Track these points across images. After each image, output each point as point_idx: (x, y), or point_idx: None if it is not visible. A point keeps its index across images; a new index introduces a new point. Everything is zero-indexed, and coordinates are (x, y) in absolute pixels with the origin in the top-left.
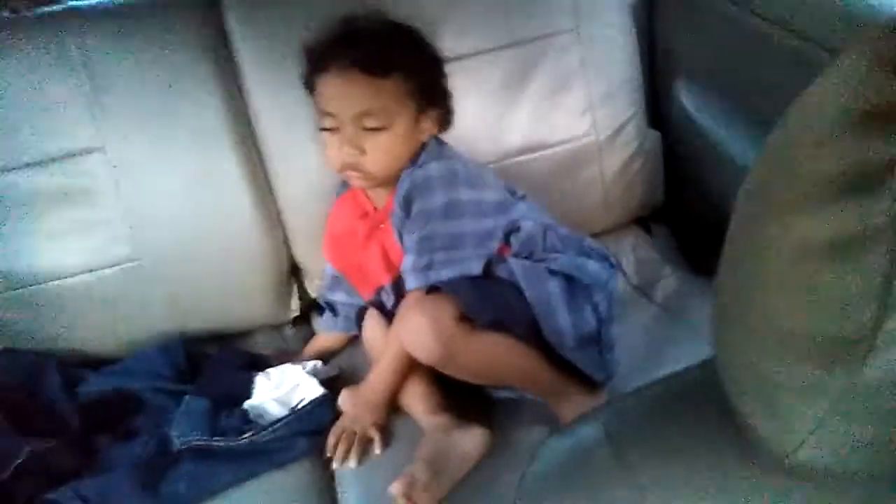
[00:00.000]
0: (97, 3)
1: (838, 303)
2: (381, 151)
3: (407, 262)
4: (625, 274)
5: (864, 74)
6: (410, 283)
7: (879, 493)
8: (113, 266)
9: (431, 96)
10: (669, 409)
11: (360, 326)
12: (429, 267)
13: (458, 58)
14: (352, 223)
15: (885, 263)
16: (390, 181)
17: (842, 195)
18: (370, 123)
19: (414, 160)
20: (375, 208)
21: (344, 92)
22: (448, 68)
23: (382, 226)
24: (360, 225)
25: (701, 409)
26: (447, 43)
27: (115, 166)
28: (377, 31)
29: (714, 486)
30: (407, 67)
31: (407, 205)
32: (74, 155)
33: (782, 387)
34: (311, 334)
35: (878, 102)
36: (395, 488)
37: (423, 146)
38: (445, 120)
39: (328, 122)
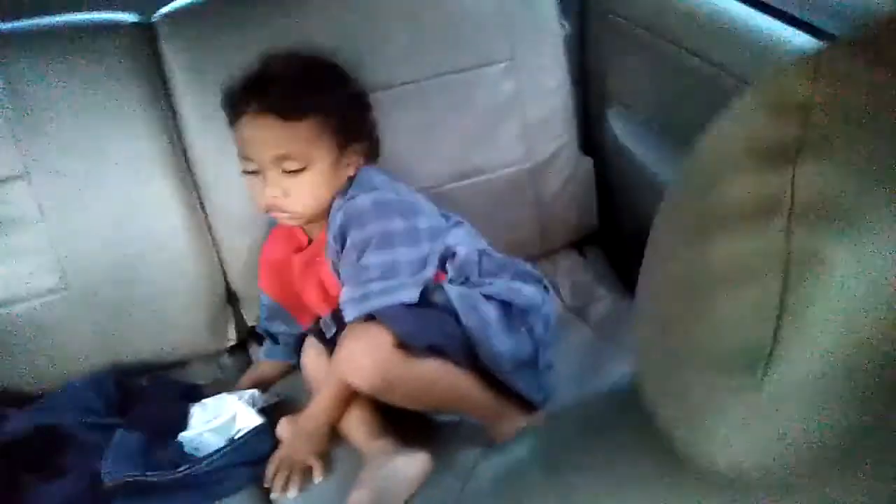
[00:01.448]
0: (23, 24)
1: (737, 324)
2: (304, 192)
3: (344, 294)
4: (560, 297)
5: (757, 115)
6: (348, 314)
7: (799, 497)
8: (39, 296)
9: (352, 131)
10: (599, 425)
11: (298, 355)
12: (365, 297)
13: (393, 86)
14: (287, 256)
15: (777, 288)
16: (321, 216)
17: (739, 223)
18: (290, 166)
19: (344, 192)
20: (310, 240)
21: (260, 137)
22: (383, 95)
23: (318, 259)
24: (295, 258)
25: (629, 424)
26: (382, 72)
27: (40, 195)
28: (291, 73)
29: (644, 499)
30: (323, 107)
31: (341, 237)
32: None
33: (694, 400)
34: (249, 363)
35: (769, 140)
36: None
37: (353, 178)
38: (371, 151)
39: (249, 166)
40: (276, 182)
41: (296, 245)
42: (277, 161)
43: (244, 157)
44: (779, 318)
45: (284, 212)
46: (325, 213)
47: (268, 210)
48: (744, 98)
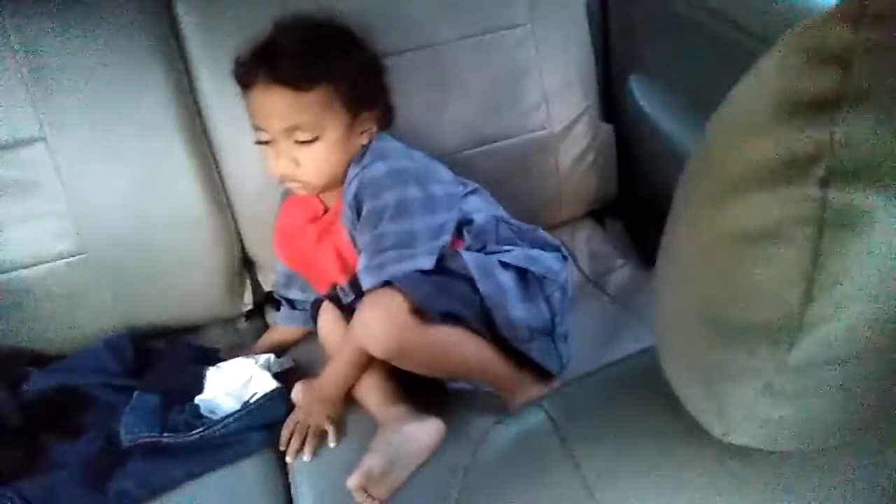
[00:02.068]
0: None
1: (765, 289)
2: (316, 162)
3: (361, 263)
4: (578, 266)
5: (793, 66)
6: (365, 282)
7: (816, 469)
8: (58, 260)
9: (365, 99)
10: (613, 395)
11: (315, 320)
12: (382, 265)
13: (410, 49)
14: (302, 224)
15: (809, 250)
16: (335, 184)
17: (770, 183)
18: (301, 136)
19: (359, 160)
20: (326, 209)
21: (270, 108)
22: (399, 60)
23: (334, 227)
24: (310, 227)
25: (644, 394)
26: (398, 35)
27: (57, 157)
28: (301, 42)
29: (658, 468)
30: (333, 75)
31: (357, 206)
32: (14, 145)
33: (715, 371)
34: (265, 328)
35: (806, 93)
36: (352, 481)
37: (367, 146)
38: (385, 118)
39: (261, 136)
40: (288, 152)
41: (311, 213)
42: (289, 131)
43: (256, 128)
44: (810, 284)
45: (297, 181)
46: (339, 182)
47: (281, 180)
48: (777, 48)
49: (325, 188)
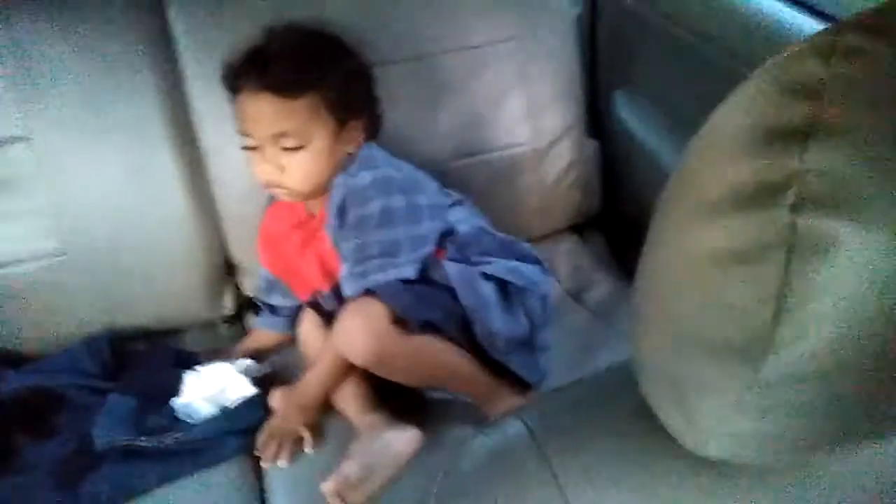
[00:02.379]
0: None
1: (736, 309)
2: (302, 170)
3: (343, 270)
4: (558, 279)
5: (767, 96)
6: (347, 289)
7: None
8: (37, 259)
9: (353, 107)
10: (591, 407)
11: (295, 326)
12: (364, 273)
13: (399, 61)
14: (287, 230)
15: (779, 273)
16: (321, 192)
17: (743, 207)
18: (287, 144)
19: (346, 168)
20: (311, 215)
21: (257, 114)
22: (388, 70)
23: (318, 234)
24: (295, 233)
25: (621, 407)
26: (387, 47)
27: (41, 157)
28: (290, 49)
29: (633, 480)
30: (322, 84)
31: (341, 214)
32: None
33: (688, 386)
34: (245, 332)
35: (778, 122)
36: (327, 487)
37: (354, 154)
38: (372, 127)
39: (248, 142)
40: (274, 159)
41: (295, 220)
42: (275, 138)
43: (243, 133)
44: (779, 306)
45: (282, 188)
46: (325, 189)
47: (266, 186)
48: (754, 78)
49: (311, 195)
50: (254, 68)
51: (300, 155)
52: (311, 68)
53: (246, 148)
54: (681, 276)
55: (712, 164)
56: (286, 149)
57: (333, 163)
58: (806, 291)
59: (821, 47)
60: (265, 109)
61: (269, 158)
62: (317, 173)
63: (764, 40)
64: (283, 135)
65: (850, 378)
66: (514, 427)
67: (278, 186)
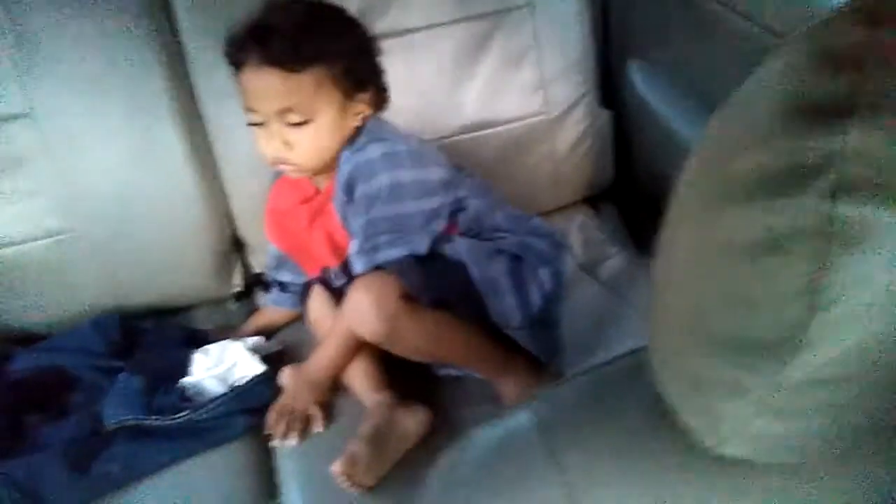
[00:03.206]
0: None
1: (765, 304)
2: (308, 145)
3: (353, 246)
4: (571, 253)
5: (801, 69)
6: (357, 266)
7: (804, 482)
8: (44, 238)
9: (358, 81)
10: (601, 399)
11: (304, 303)
12: (374, 249)
13: (409, 31)
14: (293, 207)
15: (812, 264)
16: (328, 167)
17: (773, 192)
18: (293, 119)
19: (353, 142)
20: (318, 190)
21: (261, 90)
22: (396, 42)
23: (326, 209)
24: (302, 209)
25: (632, 400)
26: (397, 16)
27: (45, 134)
28: (293, 22)
29: (644, 476)
30: (326, 57)
31: (349, 189)
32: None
33: (708, 383)
34: (254, 309)
35: (815, 98)
36: (337, 466)
37: (361, 128)
38: (379, 100)
39: (253, 118)
40: (280, 135)
41: (303, 195)
42: (281, 114)
43: (248, 109)
44: (812, 300)
45: (289, 164)
46: (332, 164)
47: (273, 163)
48: (786, 48)
49: (318, 171)
50: (256, 42)
51: (306, 130)
52: (315, 41)
53: (251, 124)
54: (703, 266)
55: (738, 143)
56: (292, 124)
57: (340, 137)
58: (842, 285)
59: (864, 12)
60: (269, 84)
61: (275, 134)
62: (324, 148)
63: (787, 6)
64: (288, 110)
65: (880, 379)
66: (522, 419)
67: (285, 163)
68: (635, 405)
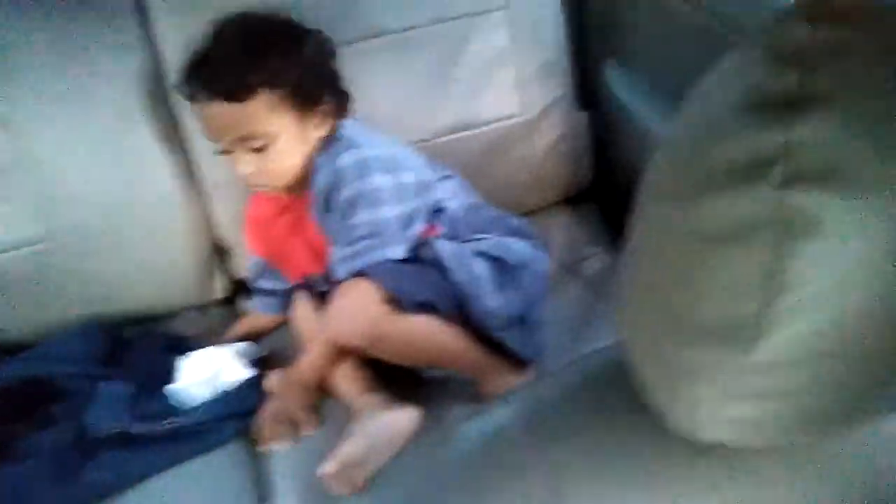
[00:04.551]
0: None
1: (726, 291)
2: (275, 166)
3: (333, 254)
4: (552, 253)
5: (755, 65)
6: (338, 273)
7: (781, 465)
8: (21, 247)
9: (312, 94)
10: (583, 391)
11: (289, 308)
12: (354, 256)
13: (383, 33)
14: (272, 217)
15: (769, 253)
16: (301, 179)
17: (731, 184)
18: (253, 145)
19: (327, 149)
20: (295, 199)
21: (215, 122)
22: (372, 44)
23: (303, 217)
24: (280, 220)
25: (613, 391)
26: (371, 19)
27: (24, 142)
28: (233, 49)
29: (627, 466)
30: (271, 81)
31: (326, 197)
32: None
33: (679, 371)
34: (237, 315)
35: (767, 93)
36: (326, 468)
37: (333, 135)
38: (340, 107)
39: (217, 147)
40: (246, 160)
41: (280, 206)
42: (240, 142)
43: (209, 139)
44: (769, 286)
45: (262, 184)
46: (306, 175)
47: (248, 185)
48: (741, 48)
49: (294, 185)
50: (199, 77)
51: (269, 153)
52: (258, 66)
53: (218, 153)
54: (668, 256)
55: (699, 137)
56: (254, 149)
57: (307, 150)
58: (797, 271)
59: (810, 11)
60: (220, 117)
61: (241, 159)
62: (291, 165)
63: (762, 9)
64: (245, 138)
65: (842, 359)
66: (507, 412)
67: (258, 184)
68: (616, 395)
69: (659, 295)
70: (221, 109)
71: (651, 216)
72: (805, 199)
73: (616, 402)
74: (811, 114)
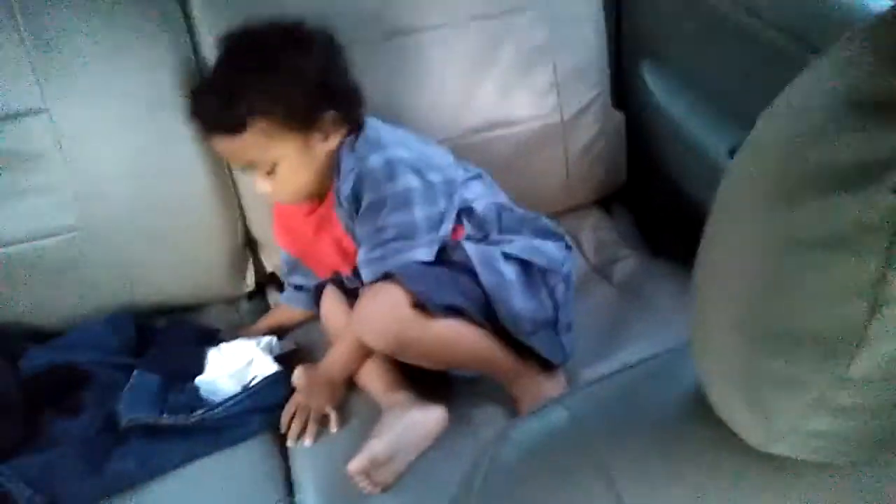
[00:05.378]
0: None
1: (827, 299)
2: (286, 184)
3: (361, 255)
4: (584, 254)
5: (863, 65)
6: (366, 275)
7: (857, 481)
8: (57, 235)
9: (310, 111)
10: (637, 395)
11: (318, 303)
12: (382, 258)
13: (420, 30)
14: (299, 217)
15: (878, 260)
16: (321, 188)
17: (838, 189)
18: (260, 169)
19: (353, 151)
20: (319, 201)
21: (222, 152)
22: (409, 40)
23: (329, 218)
24: (307, 220)
25: (668, 396)
26: (408, 15)
27: (59, 130)
28: (224, 81)
29: (686, 472)
30: (265, 108)
31: (355, 199)
32: (15, 116)
33: (764, 381)
34: (266, 308)
35: (879, 93)
36: (354, 465)
37: (357, 136)
38: (349, 114)
39: (234, 167)
40: (260, 182)
41: (307, 207)
42: (248, 167)
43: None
44: (876, 297)
45: (282, 201)
46: (325, 184)
47: (268, 201)
48: (844, 45)
49: (313, 195)
50: (196, 113)
51: (278, 174)
52: (250, 96)
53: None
54: (759, 264)
55: (796, 142)
56: (264, 172)
57: (318, 164)
58: None
59: None
60: (223, 148)
61: (257, 182)
62: (304, 181)
63: (799, 8)
64: (250, 164)
65: None
66: (560, 415)
67: (277, 200)
68: (670, 401)
69: (744, 304)
70: (221, 141)
71: (737, 219)
72: None
73: (672, 406)
74: None
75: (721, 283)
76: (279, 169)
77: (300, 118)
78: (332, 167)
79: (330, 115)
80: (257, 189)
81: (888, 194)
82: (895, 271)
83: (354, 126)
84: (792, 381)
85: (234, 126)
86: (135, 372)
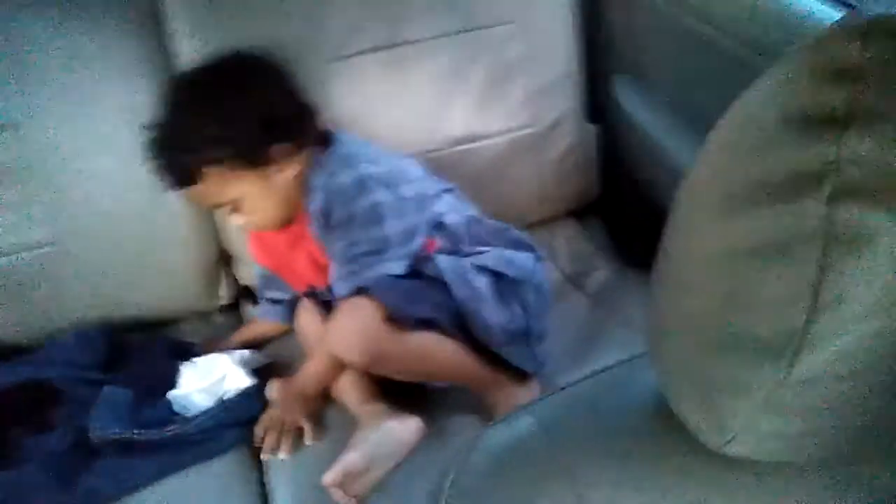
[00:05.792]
0: None
1: (768, 305)
2: (254, 218)
3: (333, 272)
4: (557, 265)
5: (801, 81)
6: (339, 290)
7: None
8: (29, 249)
9: (263, 148)
10: (602, 402)
11: (294, 316)
12: (354, 273)
13: (396, 45)
14: (273, 234)
15: (814, 267)
16: (292, 213)
17: (776, 199)
18: (225, 208)
19: (322, 168)
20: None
21: (187, 198)
22: (389, 54)
23: (303, 234)
24: (281, 236)
25: (633, 402)
26: (384, 30)
27: (31, 145)
28: (172, 132)
29: (649, 476)
30: (212, 157)
31: (325, 216)
32: None
33: (714, 384)
34: (241, 322)
35: (814, 109)
36: (329, 477)
37: (327, 153)
38: (305, 141)
39: None
40: (230, 217)
41: None
42: (213, 208)
43: None
44: (814, 301)
45: (256, 230)
46: (296, 206)
47: (243, 232)
48: (784, 63)
49: (288, 219)
50: (155, 168)
51: (245, 210)
52: (191, 150)
53: None
54: (706, 272)
55: (739, 155)
56: (230, 210)
57: (283, 192)
58: (842, 286)
59: (857, 29)
60: (184, 195)
61: (228, 218)
62: (272, 211)
63: (762, 20)
64: (216, 206)
65: (884, 375)
66: (527, 422)
67: (252, 229)
68: (634, 407)
69: (693, 310)
70: (181, 191)
71: (688, 230)
72: (852, 214)
73: (636, 412)
74: (862, 129)
75: (674, 288)
76: (243, 205)
77: (249, 159)
78: (301, 187)
79: (279, 148)
80: (230, 222)
81: (821, 205)
82: (830, 277)
83: (320, 142)
84: (741, 384)
85: (186, 179)
86: (106, 387)
